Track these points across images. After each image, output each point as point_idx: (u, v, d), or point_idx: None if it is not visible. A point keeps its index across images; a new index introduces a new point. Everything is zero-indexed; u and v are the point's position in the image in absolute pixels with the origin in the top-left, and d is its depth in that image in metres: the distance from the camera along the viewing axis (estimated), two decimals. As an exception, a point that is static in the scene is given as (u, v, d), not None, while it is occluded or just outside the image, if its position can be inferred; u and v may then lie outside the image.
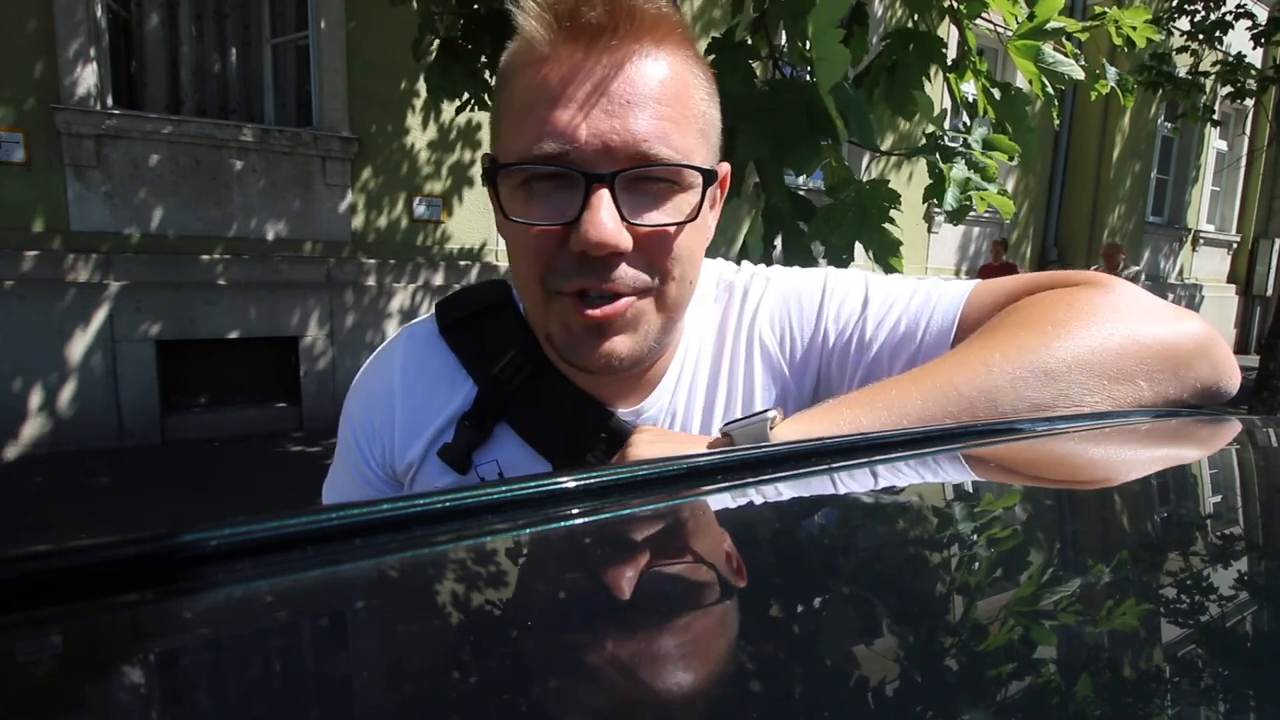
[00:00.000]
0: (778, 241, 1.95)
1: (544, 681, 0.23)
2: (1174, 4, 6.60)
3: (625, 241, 0.56)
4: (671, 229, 0.59)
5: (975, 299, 0.66)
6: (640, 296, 0.59)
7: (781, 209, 1.86)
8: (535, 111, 0.56)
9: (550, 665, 0.24)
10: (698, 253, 0.63)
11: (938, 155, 1.69)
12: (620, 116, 0.55)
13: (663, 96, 0.56)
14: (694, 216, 0.59)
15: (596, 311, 0.58)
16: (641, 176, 0.57)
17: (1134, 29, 2.01)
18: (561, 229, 0.57)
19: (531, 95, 0.56)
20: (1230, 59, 6.45)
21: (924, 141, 1.76)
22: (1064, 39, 1.64)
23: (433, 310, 0.74)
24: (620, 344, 0.60)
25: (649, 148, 0.55)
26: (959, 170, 1.67)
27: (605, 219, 0.55)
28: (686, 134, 0.58)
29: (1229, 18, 6.34)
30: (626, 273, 0.58)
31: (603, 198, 0.55)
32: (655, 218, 0.58)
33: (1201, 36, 6.40)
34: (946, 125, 1.86)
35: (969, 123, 1.80)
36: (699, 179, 0.59)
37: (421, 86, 2.89)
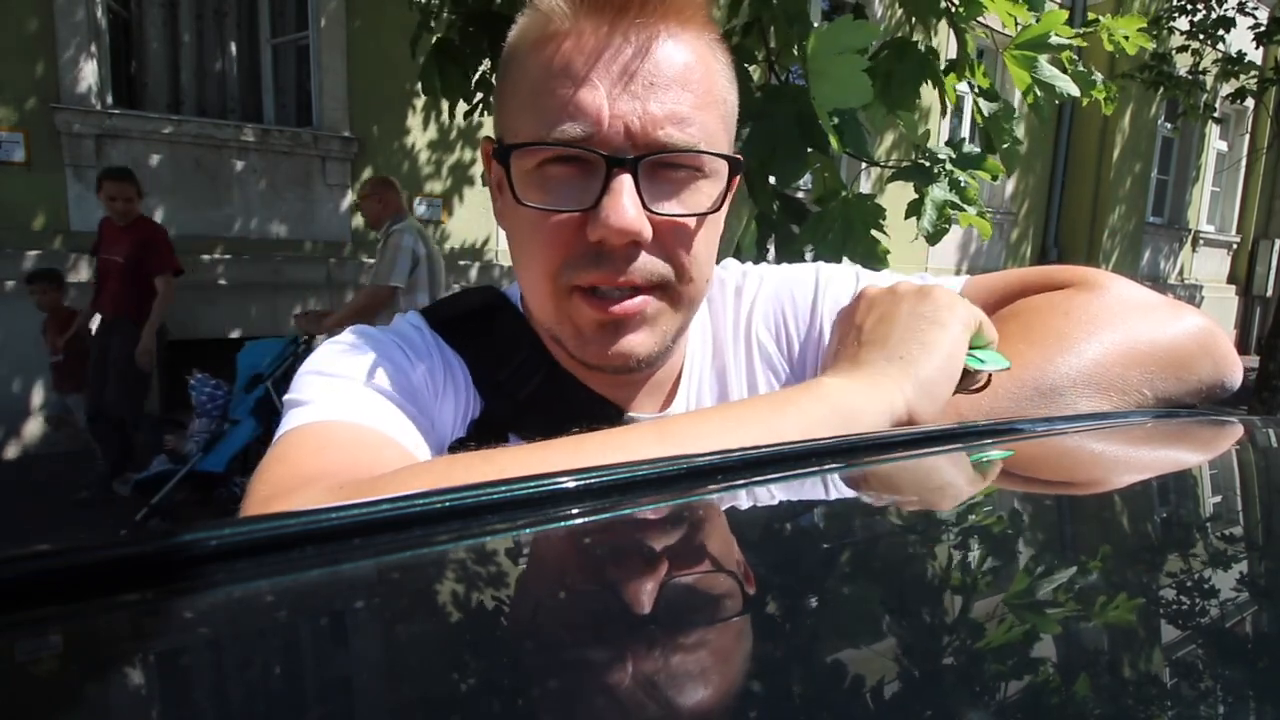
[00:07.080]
0: (771, 244, 1.94)
1: (544, 682, 0.23)
2: (1173, 3, 6.59)
3: (646, 230, 0.53)
4: (693, 221, 0.56)
5: (967, 297, 0.66)
6: (658, 294, 0.56)
7: (770, 215, 1.84)
8: (555, 91, 0.52)
9: (550, 666, 0.24)
10: (714, 249, 0.60)
11: (921, 177, 1.69)
12: (644, 99, 0.52)
13: (688, 80, 0.53)
14: (717, 207, 0.57)
15: (616, 308, 0.55)
16: (664, 163, 0.54)
17: (1125, 38, 2.01)
18: (579, 216, 0.53)
19: (550, 73, 0.53)
20: (1230, 55, 6.44)
21: (914, 153, 1.77)
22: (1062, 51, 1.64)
23: (411, 313, 0.66)
24: (637, 342, 0.56)
25: (673, 133, 0.53)
26: (939, 192, 1.67)
27: (627, 205, 0.51)
28: (710, 120, 0.55)
29: (1230, 14, 6.33)
30: (645, 264, 0.54)
31: (624, 183, 0.52)
32: (676, 207, 0.55)
33: (1202, 36, 6.39)
34: (946, 122, 1.88)
35: (962, 119, 1.81)
36: (723, 167, 0.56)
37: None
